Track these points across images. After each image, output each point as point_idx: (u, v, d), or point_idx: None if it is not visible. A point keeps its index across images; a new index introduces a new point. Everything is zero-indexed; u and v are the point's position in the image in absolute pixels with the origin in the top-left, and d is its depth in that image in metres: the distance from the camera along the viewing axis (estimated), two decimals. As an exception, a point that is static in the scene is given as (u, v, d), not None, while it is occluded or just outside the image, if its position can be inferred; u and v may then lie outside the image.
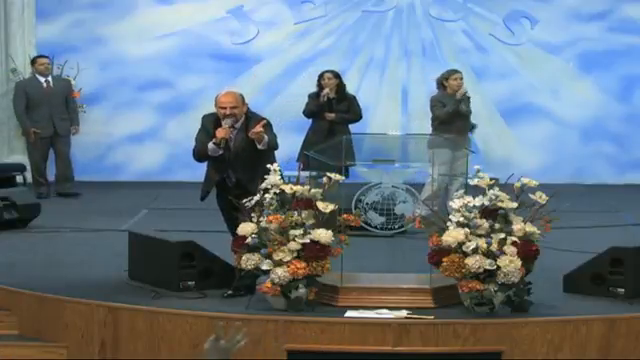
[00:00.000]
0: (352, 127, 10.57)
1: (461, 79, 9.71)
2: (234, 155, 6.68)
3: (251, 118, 6.74)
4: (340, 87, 10.45)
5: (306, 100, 10.57)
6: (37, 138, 11.29)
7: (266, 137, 6.58)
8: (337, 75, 10.50)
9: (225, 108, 6.66)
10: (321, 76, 10.49)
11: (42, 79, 11.42)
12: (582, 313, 6.03)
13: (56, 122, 11.33)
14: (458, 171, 9.16)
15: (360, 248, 6.59)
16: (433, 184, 8.76)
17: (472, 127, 9.89)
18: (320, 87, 10.40)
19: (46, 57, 11.65)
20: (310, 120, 10.55)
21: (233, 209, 6.35)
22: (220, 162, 6.76)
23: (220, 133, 6.61)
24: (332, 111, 10.28)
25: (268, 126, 6.71)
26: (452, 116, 9.53)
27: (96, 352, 6.14)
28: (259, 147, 6.57)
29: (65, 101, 11.48)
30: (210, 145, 6.66)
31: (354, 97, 10.68)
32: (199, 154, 6.80)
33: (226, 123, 6.64)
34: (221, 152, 6.67)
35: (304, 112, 10.51)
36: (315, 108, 10.32)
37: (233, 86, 12.59)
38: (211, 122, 6.78)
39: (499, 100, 13.06)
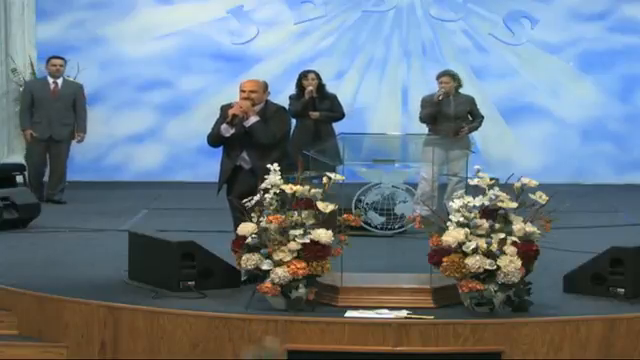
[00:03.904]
0: (351, 127, 10.55)
1: (446, 82, 9.70)
2: (247, 136, 6.92)
3: (269, 106, 7.08)
4: (320, 87, 10.51)
5: (287, 102, 10.56)
6: (34, 140, 11.00)
7: (253, 119, 6.91)
8: (318, 75, 10.56)
9: (244, 91, 7.00)
10: (304, 76, 10.52)
11: (51, 80, 11.06)
12: (582, 313, 6.02)
13: (54, 126, 10.92)
14: (452, 171, 9.18)
15: (360, 248, 6.58)
16: (421, 182, 8.84)
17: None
18: (301, 87, 10.44)
19: (60, 58, 11.23)
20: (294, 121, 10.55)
21: (236, 210, 6.39)
22: (232, 147, 6.99)
23: (233, 110, 6.89)
24: (315, 110, 10.33)
25: (276, 118, 7.04)
26: (436, 117, 9.59)
27: (96, 352, 6.14)
28: (245, 123, 6.88)
29: (73, 106, 11.03)
30: (223, 125, 6.95)
31: (335, 96, 10.71)
32: (212, 136, 7.10)
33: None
34: (232, 131, 6.92)
35: (289, 113, 10.51)
36: (301, 107, 10.34)
37: (233, 86, 12.65)
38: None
39: (499, 100, 13.07)
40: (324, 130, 10.23)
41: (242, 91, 7.00)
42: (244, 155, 6.98)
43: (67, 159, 11.24)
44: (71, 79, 11.91)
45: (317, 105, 10.36)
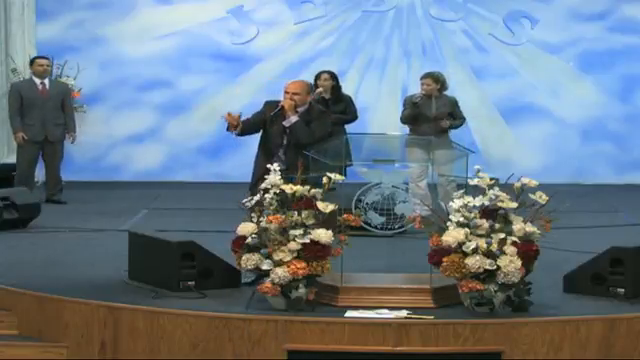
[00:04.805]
0: (352, 127, 10.58)
1: (428, 85, 9.68)
2: (285, 135, 7.26)
3: (313, 108, 7.43)
4: (335, 88, 10.46)
5: None
6: (27, 142, 10.77)
7: (293, 118, 7.26)
8: (333, 76, 10.50)
9: (287, 93, 7.28)
10: (318, 77, 10.48)
11: (38, 81, 10.84)
12: (582, 313, 6.02)
13: (48, 127, 10.73)
14: (439, 173, 9.15)
15: (360, 248, 6.58)
16: (410, 184, 8.84)
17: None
18: (315, 87, 10.39)
19: (46, 58, 11.08)
20: None
21: None
22: (269, 147, 7.31)
23: (230, 119, 7.34)
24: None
25: (319, 120, 7.39)
26: (417, 118, 9.59)
27: (96, 352, 6.14)
28: (285, 123, 7.28)
29: (61, 105, 10.85)
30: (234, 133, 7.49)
31: (350, 98, 10.68)
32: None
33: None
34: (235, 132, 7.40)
35: None
36: None
37: (233, 86, 12.68)
38: (270, 108, 7.40)
39: (499, 100, 13.08)
40: (337, 132, 10.10)
41: (285, 92, 7.23)
42: (280, 154, 7.10)
43: (62, 159, 11.10)
44: (63, 80, 11.87)
45: (331, 107, 10.30)
